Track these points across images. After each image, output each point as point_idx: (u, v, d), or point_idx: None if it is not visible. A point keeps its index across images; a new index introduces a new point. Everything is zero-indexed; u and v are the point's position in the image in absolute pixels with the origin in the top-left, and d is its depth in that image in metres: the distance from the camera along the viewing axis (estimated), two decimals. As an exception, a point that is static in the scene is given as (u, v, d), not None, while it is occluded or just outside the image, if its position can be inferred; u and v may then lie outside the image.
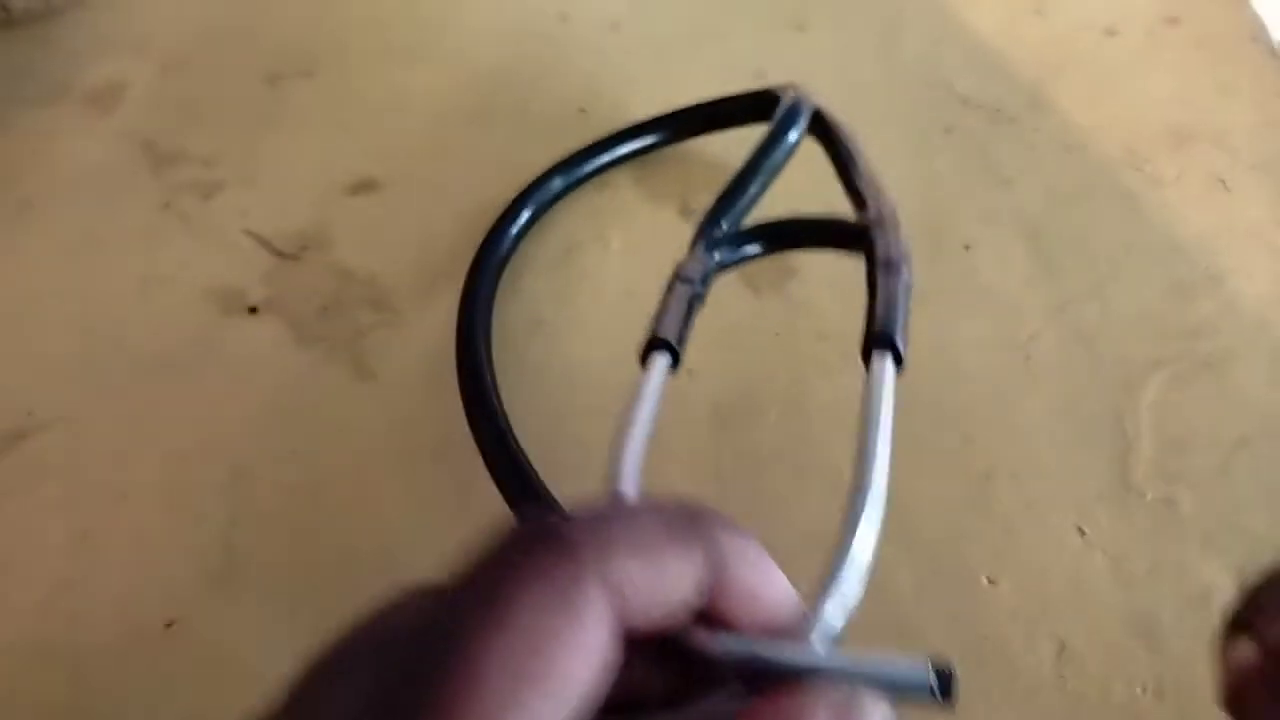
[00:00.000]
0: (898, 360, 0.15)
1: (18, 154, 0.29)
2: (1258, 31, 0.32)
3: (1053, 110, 0.29)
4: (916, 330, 0.23)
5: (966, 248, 0.25)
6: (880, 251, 0.18)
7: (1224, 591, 0.19)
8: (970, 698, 0.17)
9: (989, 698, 0.17)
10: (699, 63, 0.31)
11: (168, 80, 0.32)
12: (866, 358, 0.15)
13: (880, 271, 0.18)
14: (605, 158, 0.27)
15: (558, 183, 0.27)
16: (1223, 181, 0.27)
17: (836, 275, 0.25)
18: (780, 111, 0.23)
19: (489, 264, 0.24)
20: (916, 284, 0.24)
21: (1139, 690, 0.17)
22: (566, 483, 0.19)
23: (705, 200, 0.27)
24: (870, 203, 0.20)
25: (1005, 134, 0.29)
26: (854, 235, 0.19)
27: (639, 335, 0.24)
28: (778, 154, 0.22)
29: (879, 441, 0.13)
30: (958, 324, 0.24)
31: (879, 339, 0.16)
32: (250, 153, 0.29)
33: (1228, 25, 0.32)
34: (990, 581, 0.19)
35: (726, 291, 0.25)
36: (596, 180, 0.28)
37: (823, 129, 0.23)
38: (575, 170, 0.27)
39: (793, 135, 0.22)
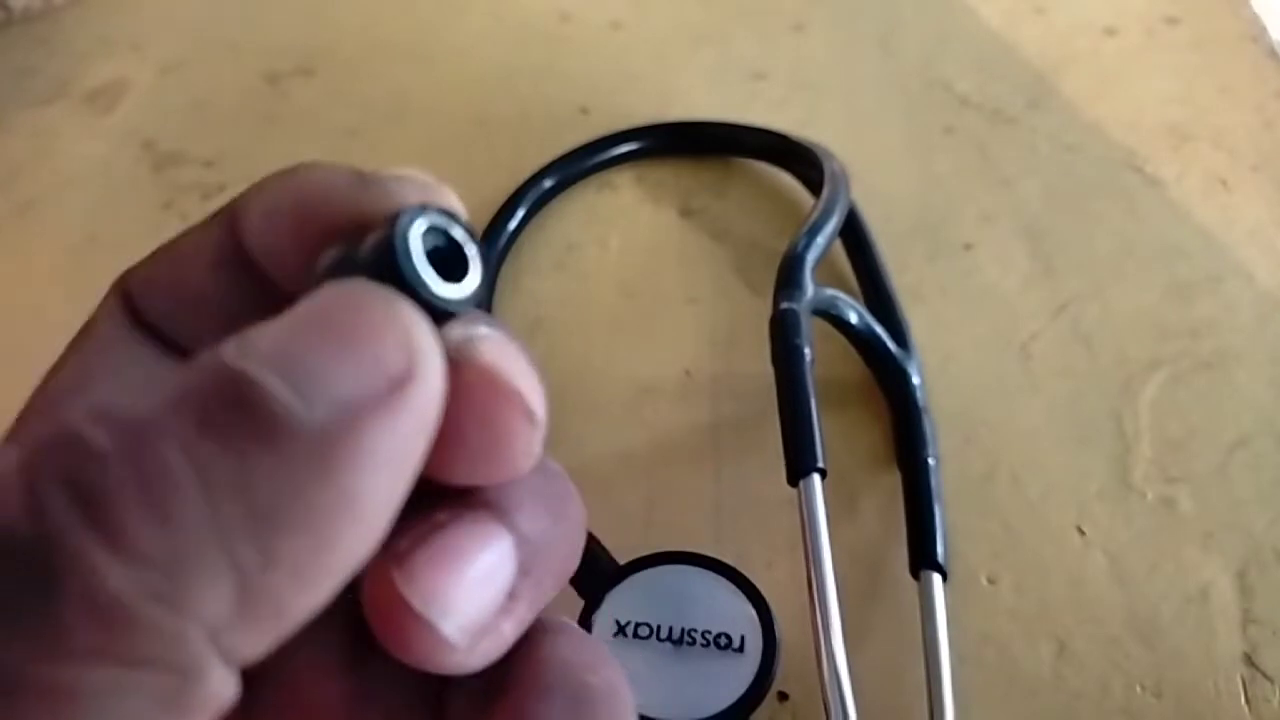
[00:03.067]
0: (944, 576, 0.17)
1: (18, 154, 0.29)
2: (1258, 32, 0.32)
3: (1052, 110, 0.29)
4: (916, 330, 0.23)
5: (966, 248, 0.25)
6: (920, 399, 0.19)
7: (1223, 590, 0.19)
8: (970, 697, 0.17)
9: (989, 697, 0.17)
10: (699, 62, 0.31)
11: (168, 80, 0.32)
12: (915, 574, 0.17)
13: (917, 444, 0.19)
14: (604, 159, 0.27)
15: (554, 182, 0.27)
16: (1223, 182, 0.27)
17: (838, 275, 0.25)
18: (830, 181, 0.23)
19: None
20: (916, 284, 0.24)
21: (1138, 689, 0.18)
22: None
23: (705, 202, 0.27)
24: (909, 340, 0.21)
25: (1005, 134, 0.29)
26: (895, 368, 0.20)
27: (638, 335, 0.24)
28: (832, 225, 0.22)
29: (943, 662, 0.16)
30: (957, 324, 0.24)
31: (928, 560, 0.17)
32: (251, 152, 0.29)
33: (1228, 25, 0.32)
34: (990, 581, 0.19)
35: (726, 291, 0.25)
36: (596, 180, 0.28)
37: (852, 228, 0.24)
38: (572, 170, 0.27)
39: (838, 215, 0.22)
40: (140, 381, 0.09)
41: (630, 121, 0.28)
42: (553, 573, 0.09)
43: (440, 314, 0.07)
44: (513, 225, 0.25)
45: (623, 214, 0.27)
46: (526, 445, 0.08)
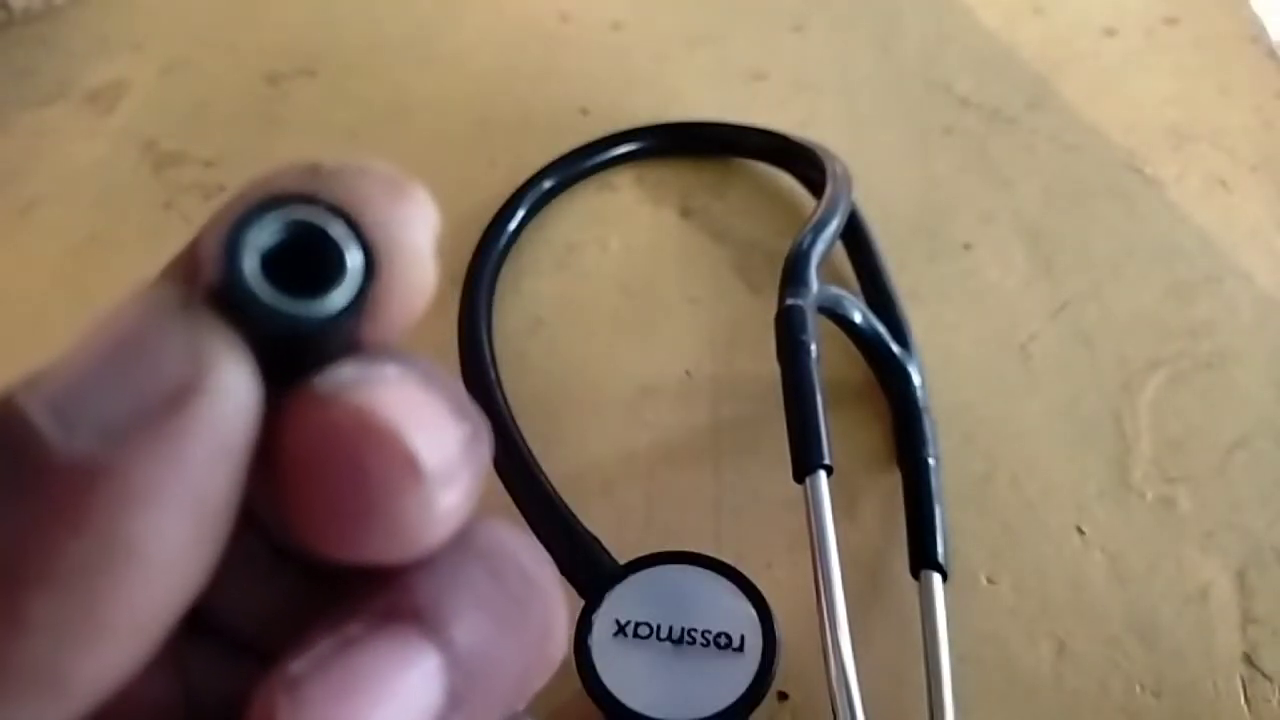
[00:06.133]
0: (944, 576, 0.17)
1: (19, 154, 0.29)
2: (1257, 32, 0.32)
3: (1052, 110, 0.29)
4: (916, 330, 0.23)
5: (966, 248, 0.25)
6: (921, 401, 0.19)
7: (1223, 590, 0.19)
8: (970, 698, 0.17)
9: (988, 697, 0.17)
10: (699, 63, 0.31)
11: (169, 80, 0.32)
12: (915, 573, 0.17)
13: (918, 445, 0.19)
14: (604, 159, 0.27)
15: (554, 183, 0.27)
16: (1223, 182, 0.27)
17: (837, 276, 0.25)
18: (833, 180, 0.23)
19: (486, 264, 0.24)
20: (915, 284, 0.24)
21: (1138, 689, 0.18)
22: (567, 482, 0.19)
23: (705, 202, 0.27)
24: (910, 340, 0.21)
25: (1004, 134, 0.29)
26: (896, 368, 0.20)
27: (638, 335, 0.24)
28: (836, 221, 0.22)
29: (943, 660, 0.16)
30: (957, 324, 0.24)
31: (928, 560, 0.17)
32: (251, 153, 0.29)
33: (1227, 26, 0.32)
34: (990, 581, 0.19)
35: (726, 291, 0.25)
36: (596, 180, 0.28)
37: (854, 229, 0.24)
38: (572, 170, 0.27)
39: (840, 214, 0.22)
40: None
41: (630, 122, 0.28)
42: (500, 697, 0.07)
43: (291, 336, 0.06)
44: (513, 226, 0.25)
45: (623, 214, 0.27)
46: (418, 504, 0.06)
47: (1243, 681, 0.18)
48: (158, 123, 0.30)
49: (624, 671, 0.16)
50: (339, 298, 0.06)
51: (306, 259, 0.06)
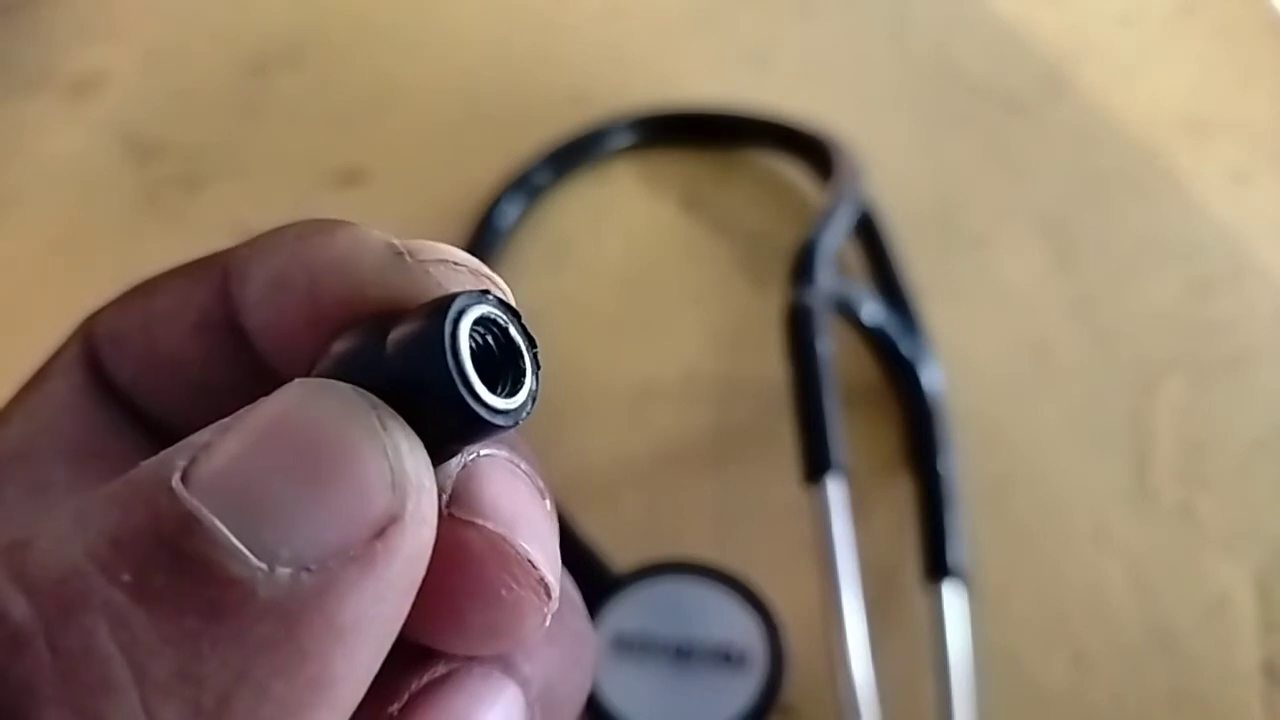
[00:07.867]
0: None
1: (-4, 146, 0.28)
2: (1275, 22, 0.31)
3: (1068, 100, 0.29)
4: (928, 327, 0.22)
5: (979, 242, 0.25)
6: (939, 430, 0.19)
7: (1243, 597, 0.18)
8: (984, 711, 0.16)
9: (1003, 709, 0.17)
10: (701, 47, 0.31)
11: (151, 69, 0.31)
12: (928, 583, 0.16)
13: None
14: (601, 149, 0.27)
15: (549, 174, 0.26)
16: (1243, 174, 0.26)
17: (849, 268, 0.24)
18: (842, 170, 0.22)
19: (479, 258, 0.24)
20: (927, 280, 0.23)
21: (1156, 699, 0.17)
22: (563, 488, 0.19)
23: (708, 194, 0.26)
24: (927, 338, 0.20)
25: (1019, 125, 0.28)
26: (912, 367, 0.19)
27: (638, 334, 0.23)
28: (845, 214, 0.21)
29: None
30: (970, 321, 0.23)
31: (944, 569, 0.16)
32: (236, 144, 0.28)
33: (1244, 15, 0.31)
34: (1003, 590, 0.18)
35: (730, 287, 0.24)
36: (593, 172, 0.27)
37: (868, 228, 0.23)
38: (567, 161, 0.26)
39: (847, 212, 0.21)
40: (91, 459, 0.08)
41: (629, 110, 0.27)
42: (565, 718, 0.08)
43: (479, 431, 0.06)
44: (506, 221, 0.25)
45: (621, 207, 0.26)
46: (537, 620, 0.07)
47: (1263, 690, 0.17)
48: (139, 113, 0.29)
49: (624, 686, 0.16)
50: (525, 393, 0.06)
51: (488, 357, 0.06)
